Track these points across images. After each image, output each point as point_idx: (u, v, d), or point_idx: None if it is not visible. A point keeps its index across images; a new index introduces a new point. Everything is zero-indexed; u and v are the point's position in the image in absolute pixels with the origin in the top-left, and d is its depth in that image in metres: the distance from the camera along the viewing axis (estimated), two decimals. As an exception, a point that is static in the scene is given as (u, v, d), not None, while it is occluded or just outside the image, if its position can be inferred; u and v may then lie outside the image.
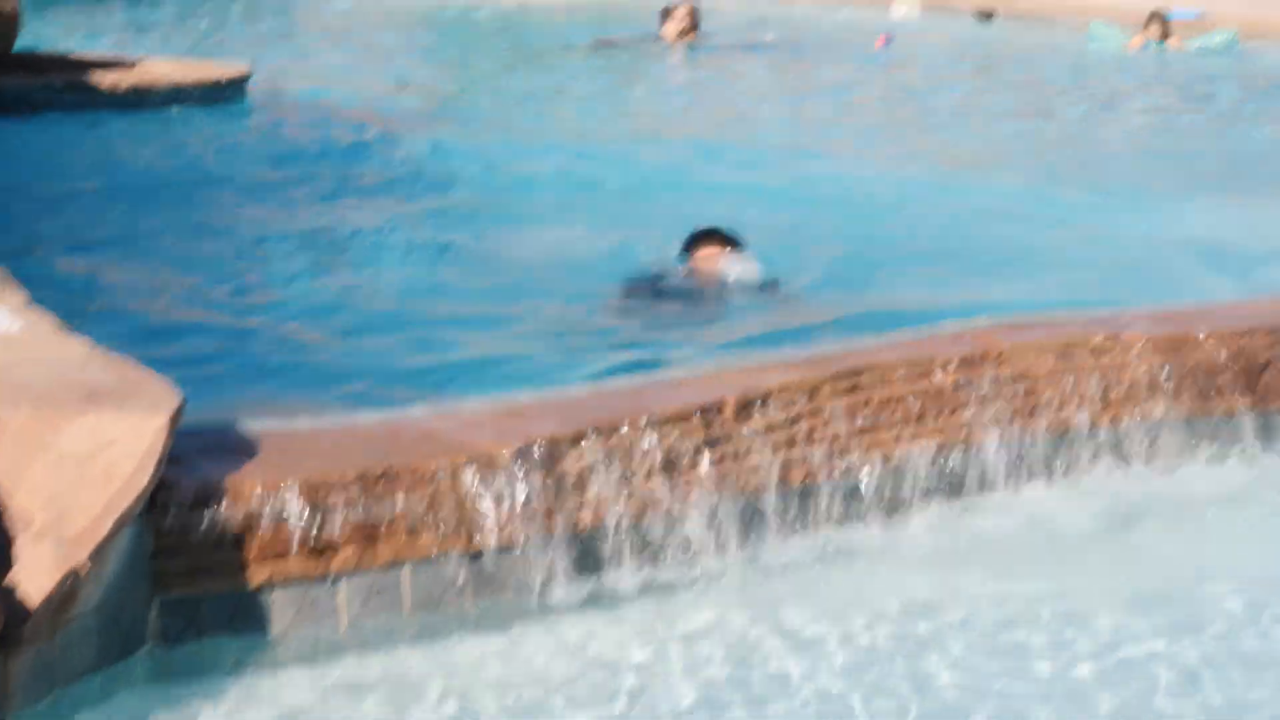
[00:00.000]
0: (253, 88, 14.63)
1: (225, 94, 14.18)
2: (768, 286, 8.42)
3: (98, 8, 20.53)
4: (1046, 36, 21.11)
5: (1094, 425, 7.09)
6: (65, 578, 4.41)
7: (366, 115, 14.22)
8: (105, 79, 13.54)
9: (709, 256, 8.49)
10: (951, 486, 6.68)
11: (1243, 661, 5.52)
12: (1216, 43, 19.11)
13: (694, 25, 19.64)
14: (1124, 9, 20.94)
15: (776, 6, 25.00)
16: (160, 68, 14.12)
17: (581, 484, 5.68)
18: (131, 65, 14.05)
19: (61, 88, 13.32)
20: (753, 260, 8.59)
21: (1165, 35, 18.41)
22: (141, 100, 13.53)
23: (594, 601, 5.63)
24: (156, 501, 4.82)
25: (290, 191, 11.38)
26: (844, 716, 5.06)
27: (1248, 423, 7.18)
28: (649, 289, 8.49)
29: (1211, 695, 5.34)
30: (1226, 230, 10.95)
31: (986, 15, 22.53)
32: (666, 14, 19.90)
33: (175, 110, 13.61)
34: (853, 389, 6.50)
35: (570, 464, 5.65)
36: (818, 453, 6.33)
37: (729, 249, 8.52)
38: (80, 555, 4.46)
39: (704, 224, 8.74)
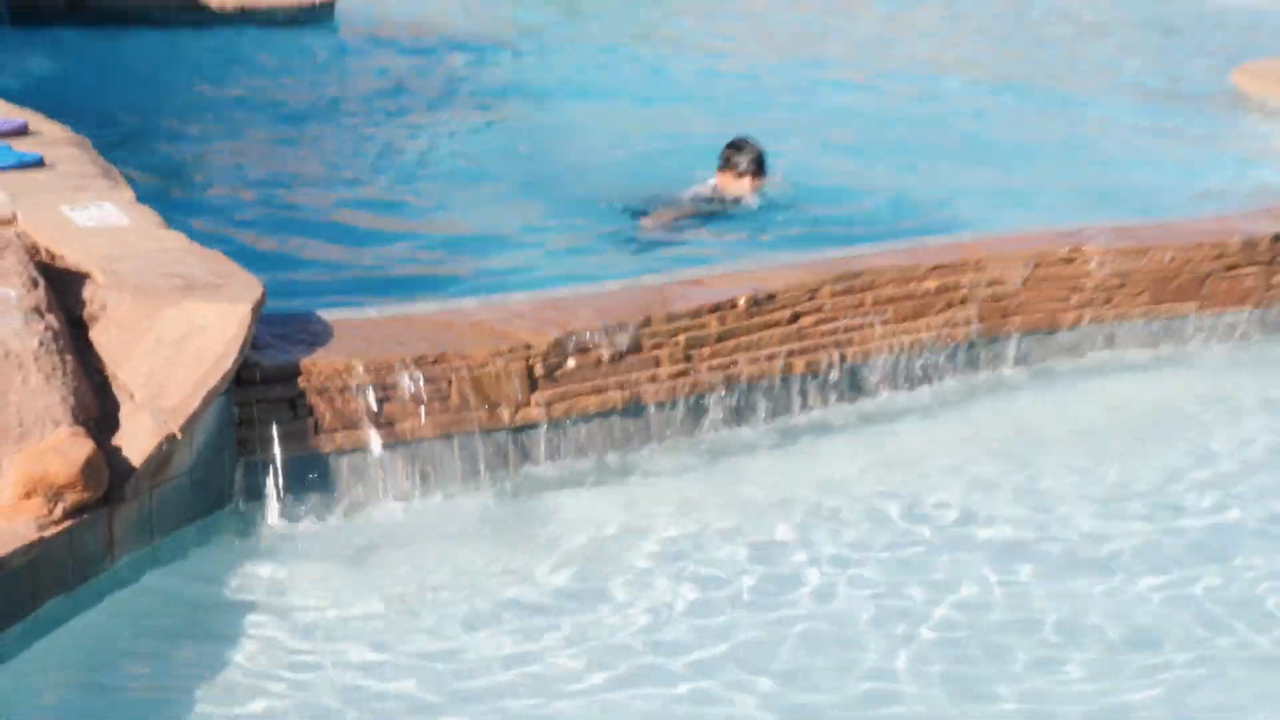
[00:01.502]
0: (340, 7, 14.76)
1: (317, 14, 14.36)
2: (785, 201, 8.38)
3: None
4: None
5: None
6: (161, 444, 4.76)
7: (436, 31, 14.18)
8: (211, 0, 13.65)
9: (736, 178, 8.42)
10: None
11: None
12: None
13: None
14: None
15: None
16: None
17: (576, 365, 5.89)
18: None
19: (174, 5, 13.45)
20: (776, 175, 8.61)
21: None
22: (246, 17, 13.65)
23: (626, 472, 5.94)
24: (241, 379, 5.15)
25: (367, 101, 11.56)
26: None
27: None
28: (685, 199, 8.48)
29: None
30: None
31: None
32: None
33: (274, 29, 13.71)
34: (848, 290, 6.66)
35: (585, 351, 5.87)
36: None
37: (753, 171, 8.40)
38: (174, 425, 4.82)
39: (737, 137, 8.60)
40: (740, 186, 8.37)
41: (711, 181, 8.74)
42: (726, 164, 8.53)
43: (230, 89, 11.53)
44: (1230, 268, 7.55)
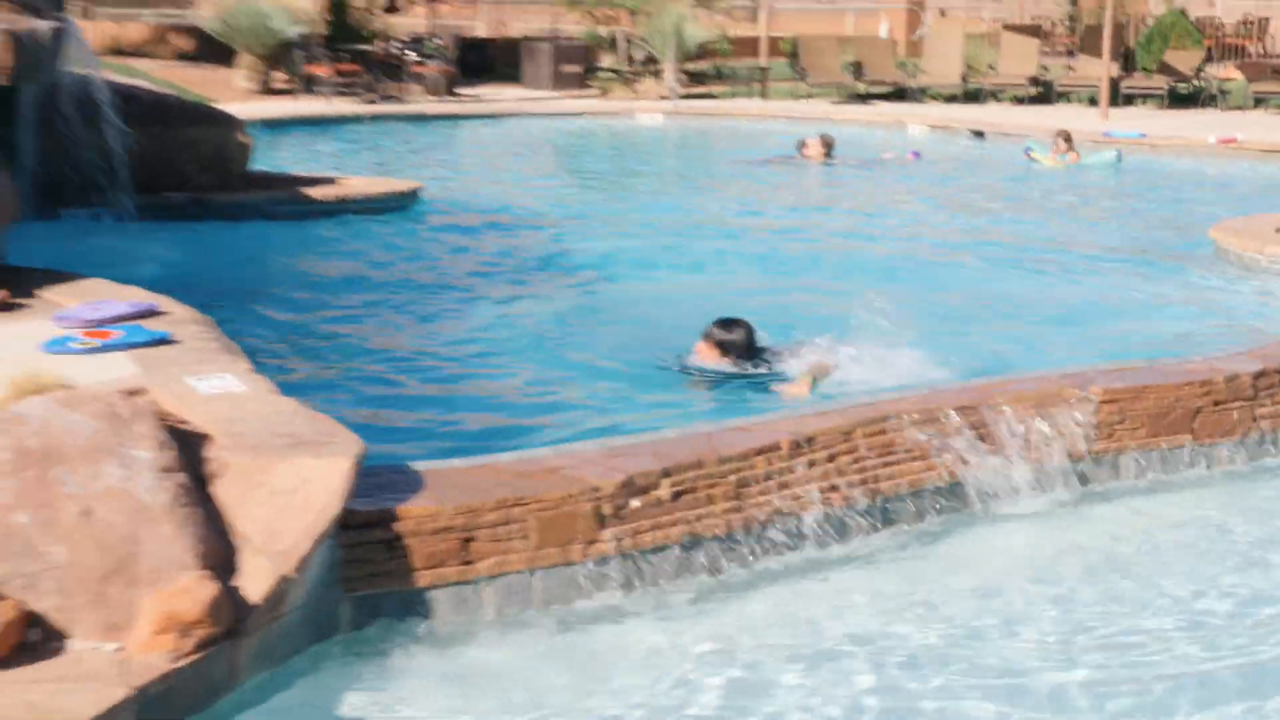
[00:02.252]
0: (423, 196, 15.04)
1: (404, 202, 14.62)
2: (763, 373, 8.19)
3: (316, 137, 20.80)
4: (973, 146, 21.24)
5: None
6: (278, 584, 5.09)
7: (506, 214, 14.32)
8: (315, 192, 13.96)
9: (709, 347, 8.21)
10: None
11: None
12: (1101, 159, 19.59)
13: (828, 150, 19.81)
14: (1079, 129, 21.55)
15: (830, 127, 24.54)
16: (356, 183, 14.37)
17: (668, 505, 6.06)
18: (334, 181, 14.35)
19: (284, 199, 13.81)
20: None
21: (1069, 147, 18.91)
22: (342, 208, 13.94)
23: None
24: (344, 523, 5.43)
25: (449, 276, 11.72)
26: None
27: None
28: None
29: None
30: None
31: (978, 134, 22.60)
32: (802, 144, 19.87)
33: (370, 217, 13.75)
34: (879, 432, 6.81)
35: (662, 491, 6.05)
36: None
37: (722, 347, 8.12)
38: (288, 567, 5.15)
39: (727, 314, 8.42)
40: (712, 357, 8.18)
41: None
42: (707, 336, 8.34)
43: (332, 269, 11.79)
44: (1218, 402, 7.64)
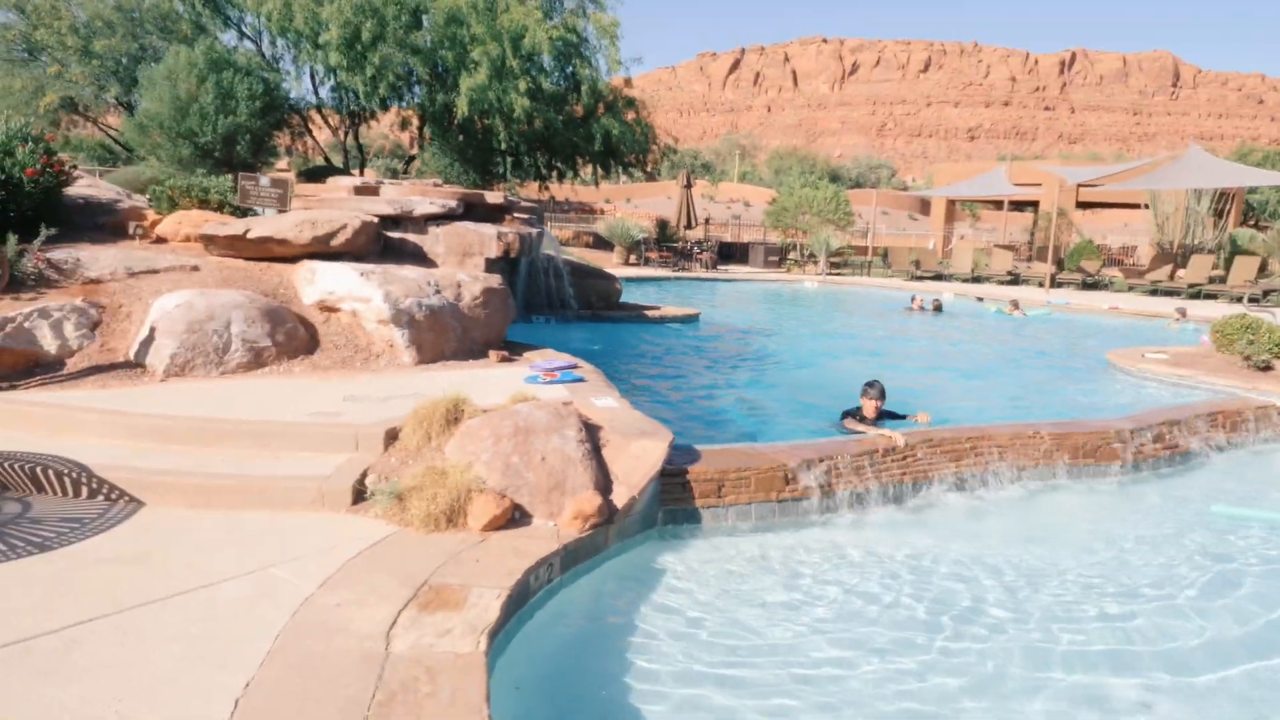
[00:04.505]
0: (701, 318, 14.63)
1: (693, 318, 14.27)
2: (898, 415, 7.31)
3: (649, 286, 21.00)
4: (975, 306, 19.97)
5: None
6: (630, 500, 5.09)
7: (738, 333, 14.07)
8: (650, 312, 13.55)
9: (870, 402, 7.16)
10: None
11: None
12: (1038, 313, 18.41)
13: (938, 306, 18.76)
14: (1033, 299, 20.30)
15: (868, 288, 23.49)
16: (668, 309, 14.15)
17: (819, 480, 5.86)
18: (658, 308, 14.03)
19: (636, 315, 13.63)
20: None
21: (1016, 308, 17.81)
22: (663, 319, 13.67)
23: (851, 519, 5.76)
24: (664, 472, 5.39)
25: (710, 356, 11.40)
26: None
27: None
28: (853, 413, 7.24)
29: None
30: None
31: (979, 299, 21.07)
32: (913, 298, 19.00)
33: (675, 325, 13.61)
34: (932, 446, 6.52)
35: (808, 469, 5.87)
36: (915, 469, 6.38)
37: (879, 398, 7.18)
38: (635, 492, 5.14)
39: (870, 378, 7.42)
40: (869, 407, 7.16)
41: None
42: (864, 394, 7.31)
43: (658, 348, 11.55)
44: (1109, 443, 7.15)
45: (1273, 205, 46.22)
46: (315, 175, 27.45)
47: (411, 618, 3.63)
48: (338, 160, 33.40)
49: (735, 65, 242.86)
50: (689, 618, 4.35)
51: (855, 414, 7.27)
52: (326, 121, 30.78)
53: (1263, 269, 24.33)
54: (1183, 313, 17.04)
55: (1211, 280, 23.90)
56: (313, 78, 28.30)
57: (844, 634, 4.28)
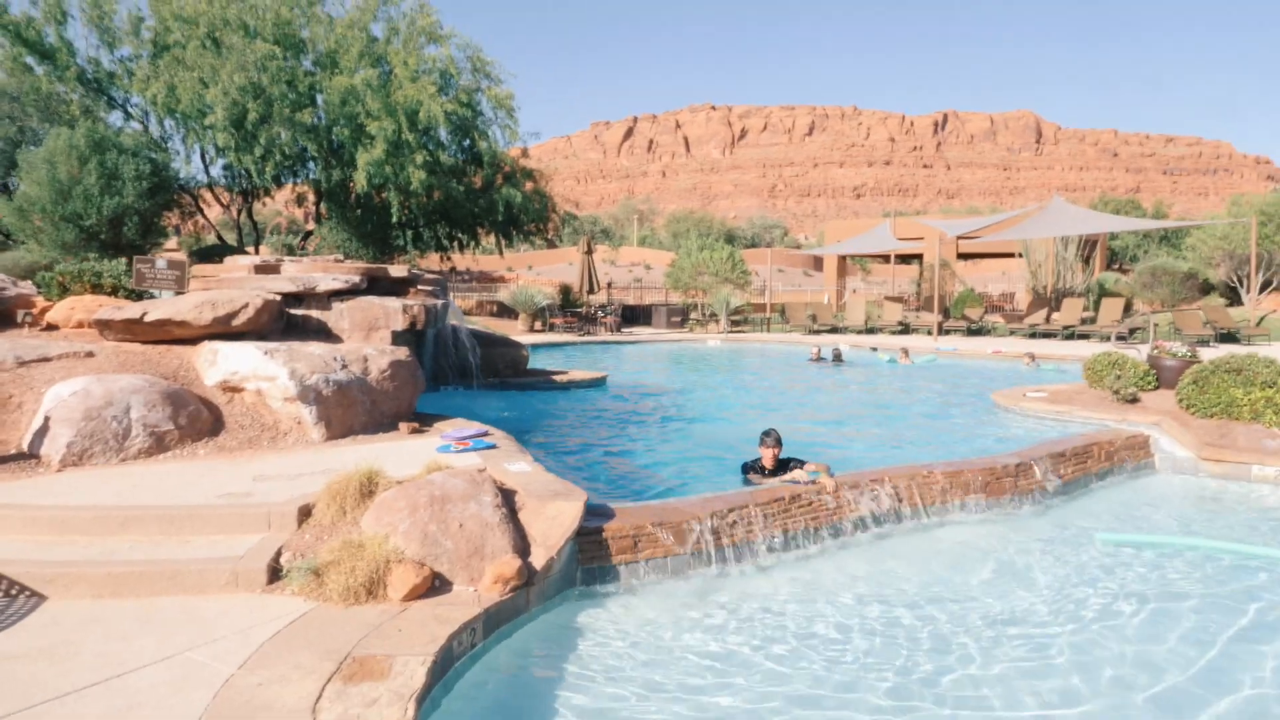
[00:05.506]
0: (608, 381, 14.80)
1: (599, 382, 14.34)
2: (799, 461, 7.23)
3: (555, 352, 21.00)
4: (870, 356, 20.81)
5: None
6: (549, 561, 5.14)
7: (645, 394, 14.15)
8: (558, 377, 13.70)
9: (767, 450, 7.22)
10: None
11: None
12: (925, 360, 19.47)
13: (837, 357, 19.38)
14: (923, 347, 21.23)
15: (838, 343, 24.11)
16: (575, 374, 14.23)
17: (729, 531, 6.07)
18: (565, 372, 14.12)
19: (543, 382, 13.67)
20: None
21: (906, 356, 18.74)
22: (570, 384, 13.74)
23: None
24: (580, 531, 5.48)
25: (619, 418, 11.43)
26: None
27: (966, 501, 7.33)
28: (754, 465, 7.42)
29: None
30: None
31: (873, 349, 21.93)
32: (814, 351, 19.70)
33: (583, 389, 13.68)
34: (854, 486, 6.88)
35: (723, 522, 6.07)
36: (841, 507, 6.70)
37: (775, 445, 7.22)
38: (553, 553, 5.20)
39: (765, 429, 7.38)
40: (767, 456, 7.27)
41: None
42: (760, 443, 7.33)
43: (562, 415, 11.56)
44: (998, 478, 7.55)
45: (1131, 249, 49.63)
46: (208, 255, 26.84)
47: (337, 690, 3.64)
48: (231, 238, 32.74)
49: (629, 133, 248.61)
50: (611, 670, 4.43)
51: (755, 465, 7.43)
52: (219, 199, 30.26)
53: (1127, 309, 26.09)
54: (1031, 356, 18.39)
55: (1083, 321, 25.48)
56: (203, 156, 27.87)
57: (764, 674, 4.44)
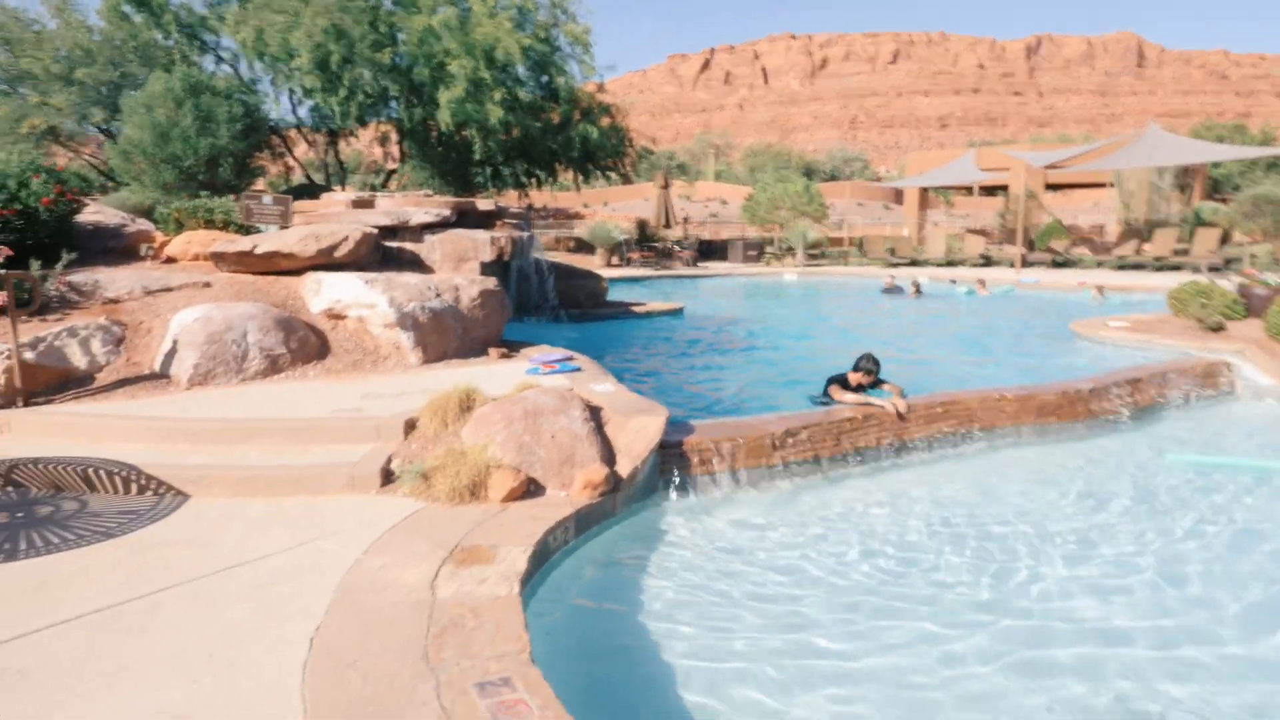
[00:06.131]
0: (685, 311, 15.05)
1: (677, 313, 14.53)
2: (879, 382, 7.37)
3: (633, 287, 21.29)
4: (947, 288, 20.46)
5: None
6: (634, 469, 5.52)
7: (721, 324, 14.37)
8: (636, 308, 13.99)
9: (858, 374, 7.31)
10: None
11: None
12: (1003, 290, 19.10)
13: (917, 289, 19.29)
14: (1007, 278, 20.94)
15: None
16: (654, 305, 14.60)
17: (789, 443, 6.39)
18: (644, 304, 14.44)
19: (623, 312, 13.96)
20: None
21: (984, 287, 18.44)
22: (650, 314, 14.07)
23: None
24: (662, 445, 5.85)
25: (696, 346, 11.70)
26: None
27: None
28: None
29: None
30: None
31: (952, 281, 21.57)
32: (891, 282, 19.79)
33: (661, 319, 14.07)
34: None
35: (792, 437, 6.38)
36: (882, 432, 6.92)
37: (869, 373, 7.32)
38: (637, 462, 5.58)
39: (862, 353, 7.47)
40: (856, 378, 7.33)
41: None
42: (855, 367, 7.43)
43: (642, 342, 11.86)
44: (1071, 402, 7.65)
45: (1235, 178, 47.20)
46: (297, 194, 27.76)
47: (450, 572, 4.11)
48: (319, 178, 33.70)
49: (705, 65, 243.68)
50: (690, 565, 4.82)
51: (841, 380, 7.53)
52: (306, 140, 31.13)
53: (1224, 239, 25.09)
54: (1099, 288, 18.12)
55: (1176, 253, 24.64)
56: (290, 98, 28.65)
57: (816, 568, 4.80)
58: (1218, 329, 10.54)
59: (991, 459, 6.99)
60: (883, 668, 3.84)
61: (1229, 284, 11.91)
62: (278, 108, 28.23)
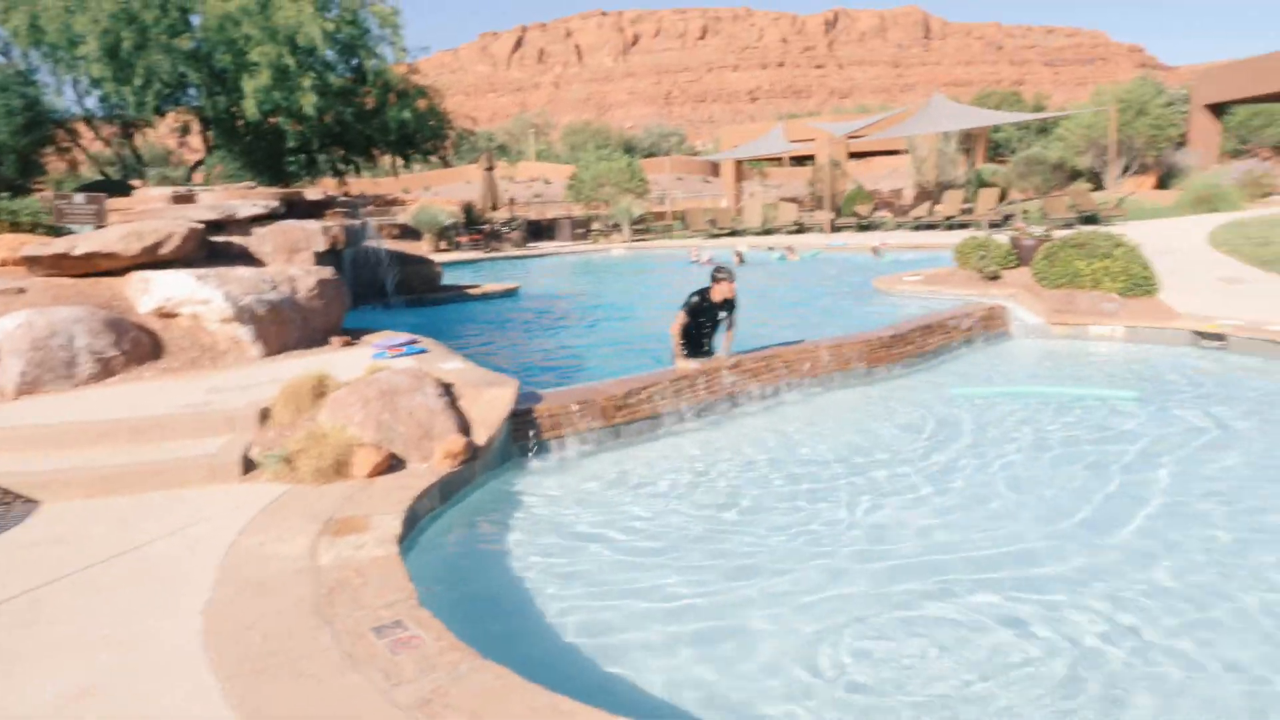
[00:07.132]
0: (520, 291, 15.28)
1: (512, 292, 14.78)
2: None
3: (464, 271, 21.22)
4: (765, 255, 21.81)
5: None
6: (489, 438, 5.89)
7: (557, 300, 14.82)
8: (471, 291, 14.06)
9: (720, 285, 7.39)
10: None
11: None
12: (809, 255, 20.93)
13: (740, 258, 20.18)
14: (814, 243, 22.22)
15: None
16: (490, 287, 14.77)
17: (631, 402, 6.95)
18: (478, 286, 14.64)
19: (459, 295, 14.08)
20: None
21: (793, 253, 20.15)
22: (485, 296, 14.28)
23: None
24: (513, 413, 6.23)
25: (535, 322, 12.11)
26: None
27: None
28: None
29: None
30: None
31: (770, 249, 22.82)
32: (696, 250, 20.46)
33: (497, 299, 14.30)
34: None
35: (633, 396, 6.95)
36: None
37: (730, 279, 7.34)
38: (491, 431, 5.94)
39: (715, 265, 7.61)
40: (720, 290, 7.39)
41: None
42: (713, 279, 7.43)
43: (482, 323, 12.13)
44: (883, 347, 8.66)
45: (1013, 142, 51.81)
46: (101, 192, 25.93)
47: (329, 542, 4.40)
48: (113, 173, 31.50)
49: (518, 44, 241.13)
50: (546, 520, 5.29)
51: (704, 295, 7.51)
52: (97, 134, 29.05)
53: (1003, 197, 27.74)
54: (875, 249, 20.33)
55: (963, 211, 27.05)
56: (76, 88, 26.64)
57: (664, 513, 5.38)
58: (995, 278, 11.95)
59: (813, 403, 7.79)
60: (718, 598, 4.41)
61: (1003, 238, 13.45)
62: (61, 100, 26.20)
